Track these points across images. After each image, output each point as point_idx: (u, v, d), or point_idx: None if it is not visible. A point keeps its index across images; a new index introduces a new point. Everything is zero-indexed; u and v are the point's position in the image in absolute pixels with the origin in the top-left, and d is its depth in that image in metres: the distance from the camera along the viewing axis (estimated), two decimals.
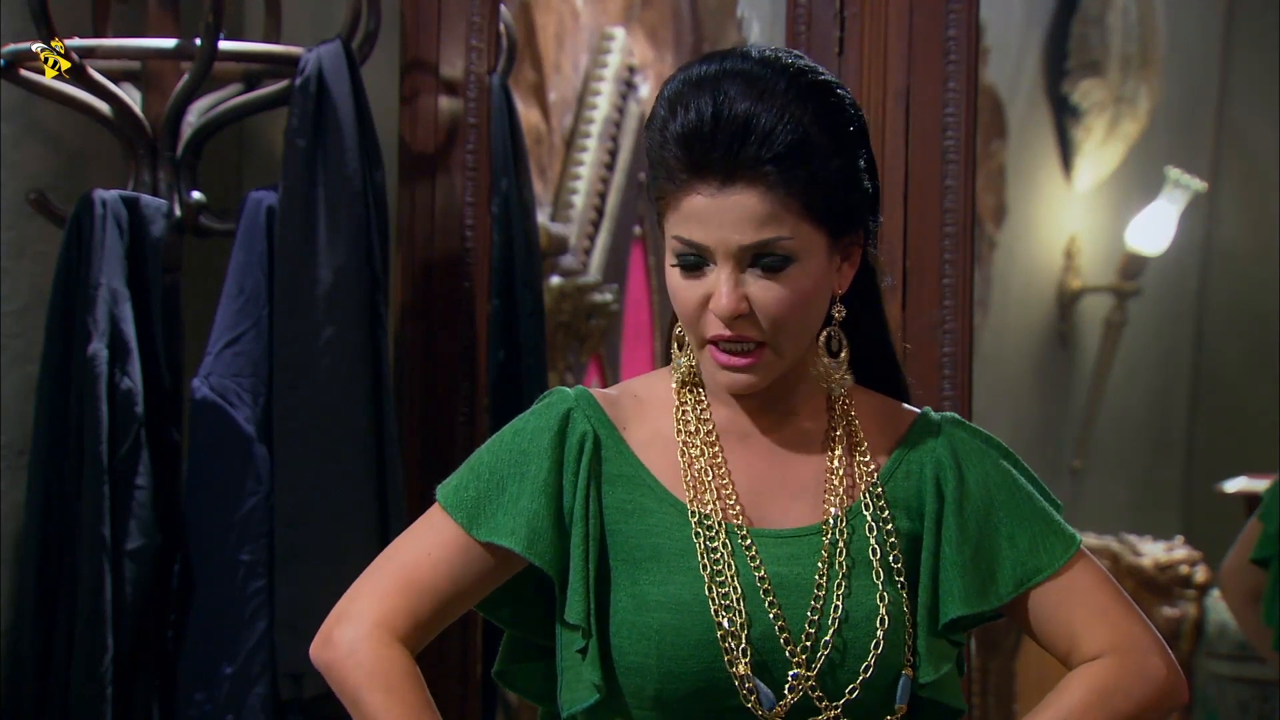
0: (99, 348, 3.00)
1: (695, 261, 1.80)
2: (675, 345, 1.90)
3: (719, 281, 1.79)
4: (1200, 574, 5.73)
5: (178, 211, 3.17)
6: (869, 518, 1.86)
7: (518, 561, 1.86)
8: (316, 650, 1.86)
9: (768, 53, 1.82)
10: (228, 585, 3.04)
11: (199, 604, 3.06)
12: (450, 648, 3.26)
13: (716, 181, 1.78)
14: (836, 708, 1.81)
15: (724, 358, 1.81)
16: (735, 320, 1.79)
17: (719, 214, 1.78)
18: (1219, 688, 5.37)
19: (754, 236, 1.78)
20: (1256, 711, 5.28)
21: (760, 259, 1.79)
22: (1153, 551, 5.80)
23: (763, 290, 1.79)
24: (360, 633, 1.83)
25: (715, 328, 1.81)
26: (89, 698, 2.97)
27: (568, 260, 4.31)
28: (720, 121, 1.76)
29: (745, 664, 1.79)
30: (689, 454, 1.87)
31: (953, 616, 1.86)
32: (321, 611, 3.05)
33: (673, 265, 1.82)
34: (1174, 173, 6.72)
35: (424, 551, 1.86)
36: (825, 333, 1.87)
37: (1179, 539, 5.97)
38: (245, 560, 3.05)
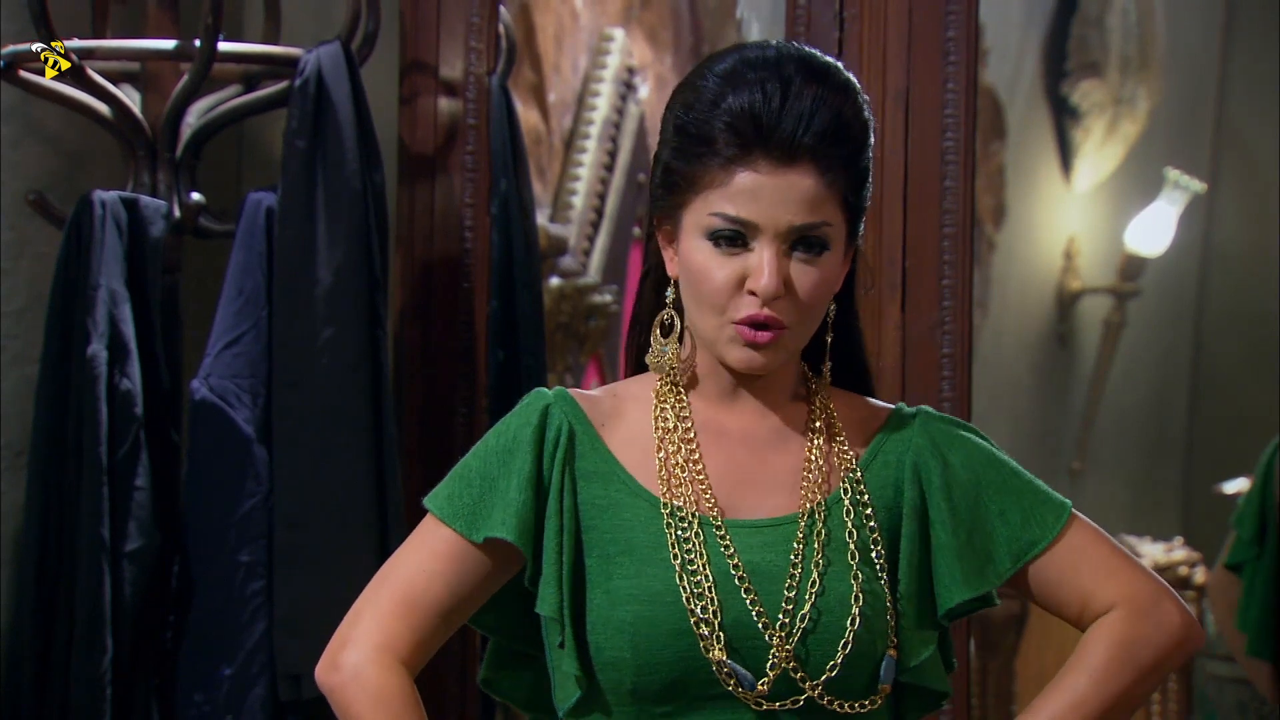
0: (98, 348, 3.00)
1: (734, 238, 1.82)
2: (658, 330, 1.90)
3: (762, 261, 1.81)
4: (1199, 575, 5.73)
5: (177, 212, 3.17)
6: (847, 503, 1.88)
7: (516, 560, 1.87)
8: (322, 674, 1.88)
9: (807, 46, 1.87)
10: (227, 586, 3.04)
11: (198, 605, 3.06)
12: (450, 648, 3.25)
13: (776, 159, 1.80)
14: (818, 685, 1.82)
15: (749, 333, 1.82)
16: (774, 301, 1.81)
17: (774, 192, 1.80)
18: (1217, 688, 5.36)
19: (806, 218, 1.81)
20: (1255, 712, 5.27)
21: (801, 242, 1.82)
22: (1152, 553, 5.80)
23: (801, 274, 1.82)
24: (363, 658, 1.85)
25: (748, 308, 1.82)
26: (88, 699, 2.97)
27: (567, 261, 4.31)
28: (788, 101, 1.80)
29: (720, 649, 1.80)
30: (665, 449, 1.88)
31: (957, 601, 1.88)
32: (321, 613, 3.05)
33: (705, 240, 1.83)
34: (1173, 174, 6.73)
35: (419, 568, 1.87)
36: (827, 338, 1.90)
37: (1178, 540, 5.97)
38: (244, 561, 3.05)
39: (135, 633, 3.04)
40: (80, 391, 3.01)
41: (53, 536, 3.04)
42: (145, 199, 3.12)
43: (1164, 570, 5.71)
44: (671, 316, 1.90)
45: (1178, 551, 5.84)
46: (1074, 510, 1.91)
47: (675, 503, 1.85)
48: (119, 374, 3.02)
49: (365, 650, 1.85)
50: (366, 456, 3.07)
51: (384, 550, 3.01)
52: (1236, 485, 5.32)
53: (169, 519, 3.10)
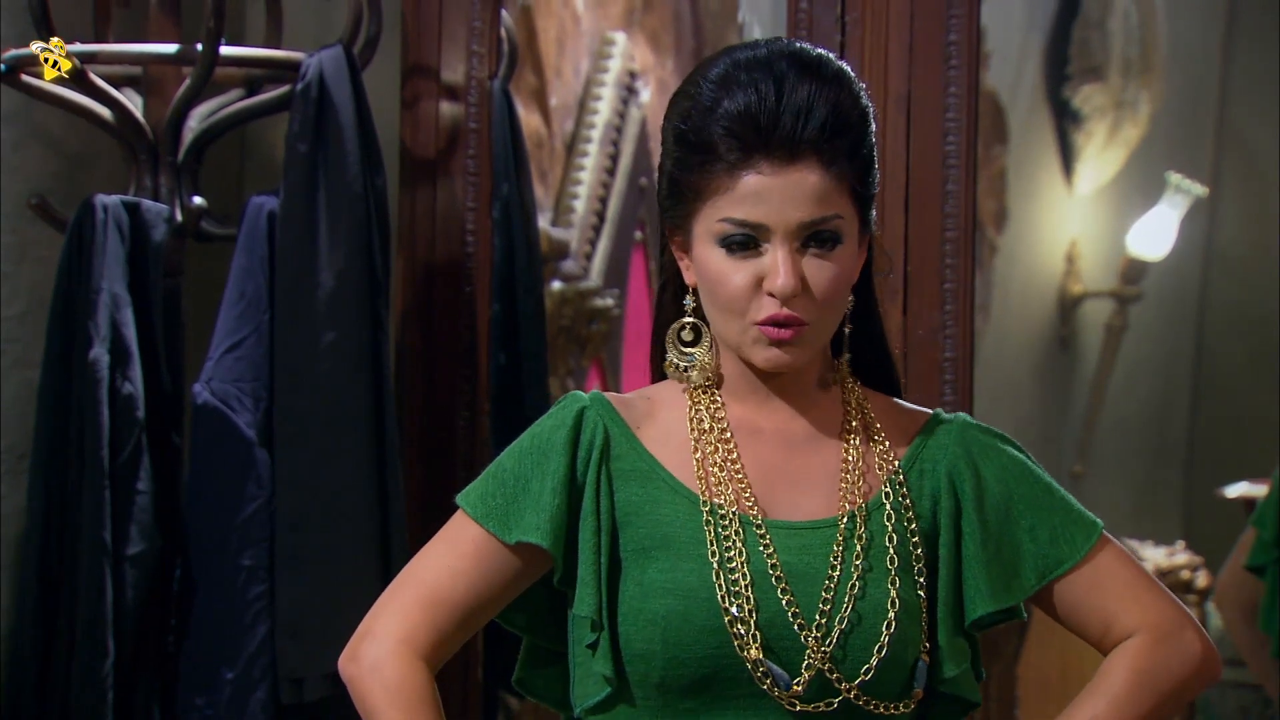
0: (100, 352, 3.00)
1: (746, 241, 1.82)
2: (675, 341, 1.91)
3: (777, 261, 1.81)
4: (1202, 579, 5.73)
5: (179, 216, 3.17)
6: (889, 508, 1.88)
7: (545, 561, 1.88)
8: (343, 664, 1.89)
9: (796, 42, 1.86)
10: (229, 590, 3.04)
11: (200, 609, 3.06)
12: None
13: (779, 159, 1.80)
14: (854, 687, 1.82)
15: (774, 332, 1.83)
16: (792, 299, 1.81)
17: (780, 191, 1.80)
18: (1219, 693, 5.36)
19: (815, 213, 1.81)
20: (1257, 716, 5.28)
21: (814, 238, 1.82)
22: (1154, 556, 5.80)
23: (817, 269, 1.82)
24: (384, 651, 1.86)
25: (769, 309, 1.82)
26: (89, 703, 2.97)
27: (569, 265, 4.31)
28: (784, 98, 1.80)
29: (756, 648, 1.80)
30: (702, 450, 1.88)
31: (982, 613, 1.88)
32: (322, 616, 3.05)
33: (717, 247, 1.83)
34: (1175, 177, 6.72)
35: (446, 565, 1.88)
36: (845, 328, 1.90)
37: (1180, 544, 5.97)
38: (246, 565, 3.05)
39: (137, 636, 3.04)
40: (82, 395, 3.01)
41: (54, 540, 3.04)
42: (147, 203, 3.12)
43: (1165, 574, 5.71)
44: (694, 325, 1.90)
45: (1179, 555, 5.83)
46: (1105, 532, 1.91)
47: (715, 500, 1.85)
48: (120, 377, 3.02)
49: (385, 643, 1.86)
50: (368, 460, 3.07)
51: (386, 553, 3.01)
52: (1239, 489, 5.31)
53: (171, 522, 3.10)
